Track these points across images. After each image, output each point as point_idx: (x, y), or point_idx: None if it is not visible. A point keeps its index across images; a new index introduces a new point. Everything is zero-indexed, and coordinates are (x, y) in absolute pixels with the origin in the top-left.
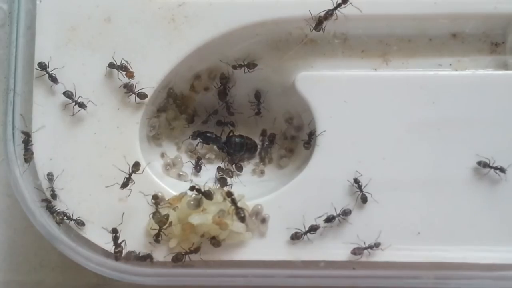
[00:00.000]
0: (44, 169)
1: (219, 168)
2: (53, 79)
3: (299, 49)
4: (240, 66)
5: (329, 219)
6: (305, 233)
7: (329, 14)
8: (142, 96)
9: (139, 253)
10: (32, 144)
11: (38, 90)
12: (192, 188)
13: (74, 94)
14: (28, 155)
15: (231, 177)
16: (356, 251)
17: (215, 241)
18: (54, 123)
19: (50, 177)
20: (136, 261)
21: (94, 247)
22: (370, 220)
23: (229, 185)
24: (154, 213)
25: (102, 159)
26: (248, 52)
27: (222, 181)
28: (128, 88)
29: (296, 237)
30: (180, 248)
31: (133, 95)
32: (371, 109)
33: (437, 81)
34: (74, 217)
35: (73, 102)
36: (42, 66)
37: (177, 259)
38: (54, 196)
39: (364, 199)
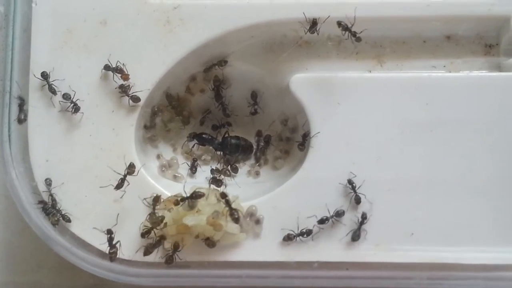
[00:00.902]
0: (40, 171)
1: (213, 170)
2: (52, 90)
3: (293, 51)
4: (211, 66)
5: (322, 221)
6: (298, 235)
7: (342, 24)
8: (135, 99)
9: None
10: (26, 104)
11: (34, 92)
12: (177, 203)
13: (72, 96)
14: (21, 117)
15: (228, 175)
16: (355, 237)
17: (210, 242)
18: (50, 125)
19: (48, 182)
20: (152, 248)
21: (90, 248)
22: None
23: (222, 184)
24: (150, 214)
25: (98, 161)
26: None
27: (216, 182)
28: (123, 90)
29: (288, 238)
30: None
31: (127, 97)
32: (365, 111)
33: (431, 83)
34: (63, 213)
35: (71, 104)
36: (44, 76)
37: (167, 261)
38: (54, 201)
39: (357, 200)
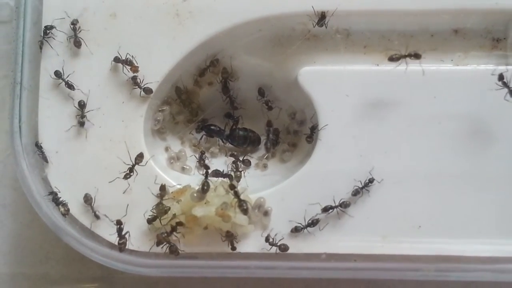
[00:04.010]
0: (50, 162)
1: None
2: (70, 86)
3: (302, 44)
4: (204, 70)
5: (326, 209)
6: (305, 227)
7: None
8: (147, 91)
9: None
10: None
11: (44, 84)
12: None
13: (85, 104)
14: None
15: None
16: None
17: (232, 247)
18: (60, 116)
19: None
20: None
21: (99, 238)
22: (372, 213)
23: (241, 170)
24: (157, 204)
25: (107, 152)
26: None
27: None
28: (135, 82)
29: (296, 230)
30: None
31: (139, 89)
32: (373, 104)
33: (439, 77)
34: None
35: (81, 112)
36: (58, 74)
37: (172, 251)
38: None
39: (355, 192)
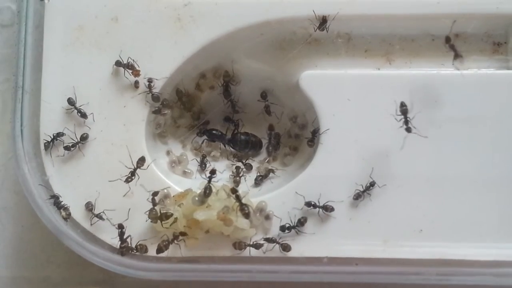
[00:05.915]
0: (52, 166)
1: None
2: (82, 115)
3: (303, 48)
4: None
5: (309, 204)
6: (293, 227)
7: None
8: (155, 98)
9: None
10: None
11: (46, 88)
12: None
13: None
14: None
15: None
16: (357, 197)
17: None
18: (62, 120)
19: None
20: (166, 247)
21: (101, 242)
22: (373, 217)
23: (242, 175)
24: (150, 210)
25: (108, 156)
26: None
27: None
28: (148, 86)
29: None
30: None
31: (142, 93)
32: (374, 108)
33: (440, 81)
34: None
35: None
36: (71, 102)
37: (159, 249)
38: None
39: (356, 196)
